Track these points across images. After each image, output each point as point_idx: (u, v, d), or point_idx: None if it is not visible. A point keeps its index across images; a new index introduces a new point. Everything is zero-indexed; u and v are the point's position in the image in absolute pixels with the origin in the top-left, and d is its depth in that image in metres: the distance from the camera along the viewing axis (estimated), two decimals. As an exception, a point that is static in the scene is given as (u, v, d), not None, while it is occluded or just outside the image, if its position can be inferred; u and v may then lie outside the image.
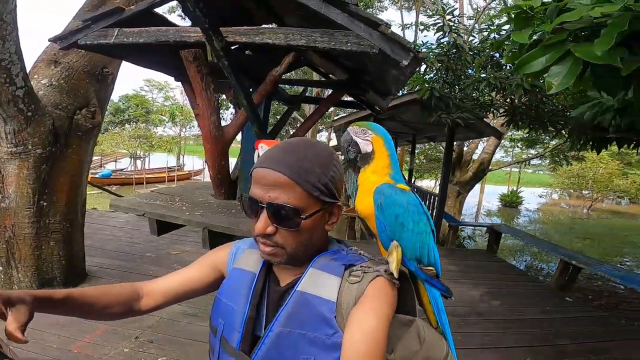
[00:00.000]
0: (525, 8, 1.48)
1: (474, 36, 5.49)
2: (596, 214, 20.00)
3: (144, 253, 4.64)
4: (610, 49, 1.09)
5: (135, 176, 18.63)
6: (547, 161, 19.01)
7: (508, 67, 4.35)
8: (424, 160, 16.81)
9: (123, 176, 19.04)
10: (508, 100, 4.72)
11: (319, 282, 0.73)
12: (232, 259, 0.87)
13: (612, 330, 3.37)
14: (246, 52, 2.69)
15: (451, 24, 4.23)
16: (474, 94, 4.97)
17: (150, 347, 2.45)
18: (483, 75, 4.36)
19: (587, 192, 21.75)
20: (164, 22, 2.39)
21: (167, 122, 30.91)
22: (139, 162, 25.78)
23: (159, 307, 0.84)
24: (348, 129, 0.86)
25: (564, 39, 1.30)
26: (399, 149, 13.04)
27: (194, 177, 22.39)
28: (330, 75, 3.40)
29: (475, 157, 11.01)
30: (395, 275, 0.77)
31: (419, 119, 6.55)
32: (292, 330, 0.70)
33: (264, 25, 2.76)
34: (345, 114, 7.95)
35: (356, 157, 0.86)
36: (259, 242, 0.74)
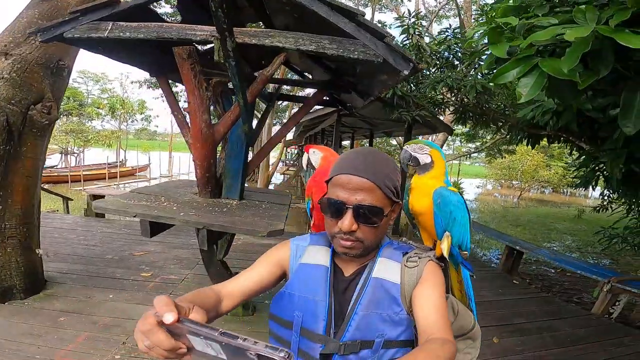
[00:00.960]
0: (500, 24, 1.71)
1: (431, 37, 5.85)
2: (524, 203, 21.75)
3: (103, 255, 4.38)
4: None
5: (71, 173, 17.04)
6: (483, 154, 20.75)
7: (460, 69, 4.75)
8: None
9: (55, 173, 17.24)
10: (459, 99, 5.14)
11: (388, 269, 0.86)
12: (295, 256, 0.94)
13: (556, 309, 3.79)
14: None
15: (415, 26, 4.49)
16: (430, 93, 5.33)
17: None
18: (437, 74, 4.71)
19: (516, 182, 23.98)
20: (156, 16, 2.30)
21: (105, 116, 28.60)
22: (72, 159, 23.65)
23: (234, 307, 0.87)
24: (405, 147, 1.02)
25: (532, 53, 1.53)
26: (355, 143, 13.43)
27: (139, 173, 21.01)
28: (306, 74, 3.46)
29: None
30: (447, 257, 0.94)
31: (379, 115, 6.83)
32: (372, 312, 0.82)
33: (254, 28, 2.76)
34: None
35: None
36: (338, 238, 0.84)
